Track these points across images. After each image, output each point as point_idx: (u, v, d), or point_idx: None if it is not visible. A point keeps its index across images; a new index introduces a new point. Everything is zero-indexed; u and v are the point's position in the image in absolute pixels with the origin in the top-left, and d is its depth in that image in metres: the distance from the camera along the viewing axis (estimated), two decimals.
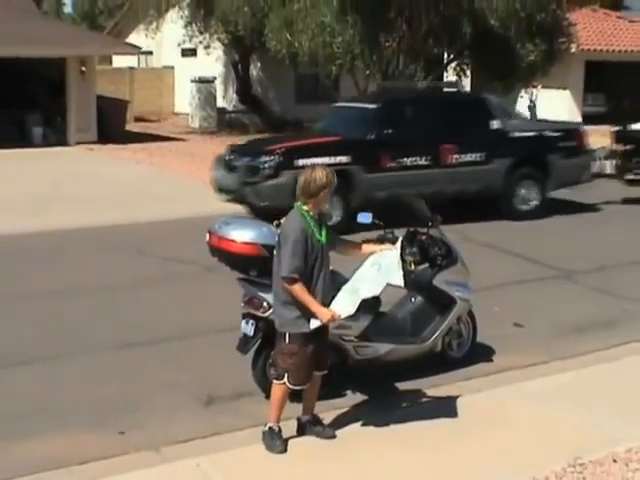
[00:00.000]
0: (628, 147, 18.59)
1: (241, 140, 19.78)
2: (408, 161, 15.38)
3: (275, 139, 17.96)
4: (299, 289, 6.50)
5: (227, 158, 15.94)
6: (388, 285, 7.03)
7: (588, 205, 17.63)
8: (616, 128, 19.37)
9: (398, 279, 7.04)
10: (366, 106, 16.58)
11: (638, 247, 14.02)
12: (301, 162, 14.22)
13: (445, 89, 18.58)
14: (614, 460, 6.50)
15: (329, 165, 13.90)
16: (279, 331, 6.75)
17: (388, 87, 18.70)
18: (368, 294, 6.86)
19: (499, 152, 16.16)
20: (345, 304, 6.69)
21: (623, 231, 15.33)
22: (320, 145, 15.23)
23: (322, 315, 6.57)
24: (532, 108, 31.12)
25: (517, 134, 16.72)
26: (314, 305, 6.54)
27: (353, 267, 7.09)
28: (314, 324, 6.60)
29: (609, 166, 19.32)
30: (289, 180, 13.82)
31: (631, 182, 18.46)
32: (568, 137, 17.27)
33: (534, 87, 30.32)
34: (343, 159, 14.75)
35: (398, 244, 7.34)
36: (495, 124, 16.36)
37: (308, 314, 6.58)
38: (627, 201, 18.09)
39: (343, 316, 6.72)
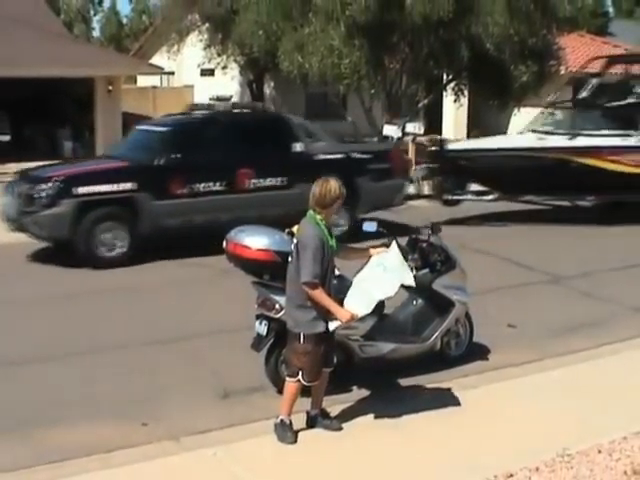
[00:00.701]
0: (445, 167, 17.23)
1: None
2: (201, 187, 13.60)
3: (61, 165, 15.89)
4: (320, 293, 6.51)
5: (14, 184, 13.73)
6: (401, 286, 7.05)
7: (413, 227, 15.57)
8: (434, 148, 17.96)
9: (409, 280, 7.05)
10: (156, 129, 14.76)
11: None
12: (81, 190, 12.77)
13: (246, 110, 16.22)
14: (599, 451, 6.50)
15: (112, 193, 12.87)
16: (293, 332, 6.74)
17: (199, 108, 15.50)
18: (383, 296, 6.88)
19: (302, 176, 13.56)
20: (358, 305, 6.70)
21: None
22: (104, 172, 13.50)
23: (342, 316, 6.58)
24: None
25: (322, 157, 14.82)
26: (334, 307, 6.57)
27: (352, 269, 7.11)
28: (334, 325, 6.62)
29: (427, 187, 18.23)
30: (68, 209, 12.70)
31: (449, 202, 17.21)
32: (379, 159, 15.52)
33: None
34: (128, 186, 13.04)
35: (393, 245, 7.30)
36: (298, 146, 14.69)
37: (324, 316, 6.61)
38: (453, 222, 16.13)
39: (360, 316, 6.73)
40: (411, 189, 17.63)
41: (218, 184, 13.79)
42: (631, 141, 16.82)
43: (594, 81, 18.16)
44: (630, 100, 17.83)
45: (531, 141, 16.90)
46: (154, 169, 13.41)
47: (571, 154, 16.34)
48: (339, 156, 15.14)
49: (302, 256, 6.53)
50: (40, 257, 13.54)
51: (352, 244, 7.29)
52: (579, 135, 16.65)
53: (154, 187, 13.30)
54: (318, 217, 6.68)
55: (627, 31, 40.77)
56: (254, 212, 13.33)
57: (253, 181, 14.09)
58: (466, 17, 21.48)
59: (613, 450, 6.52)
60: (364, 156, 15.46)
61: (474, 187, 17.41)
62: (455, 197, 17.20)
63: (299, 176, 13.99)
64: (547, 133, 17.10)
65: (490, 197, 17.18)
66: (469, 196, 17.33)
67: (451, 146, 17.65)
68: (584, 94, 17.77)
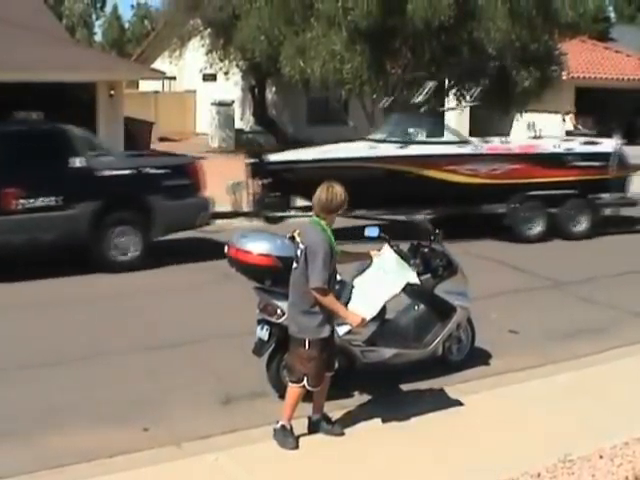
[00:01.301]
0: (266, 181, 15.47)
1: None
2: None
3: None
4: (331, 298, 6.55)
5: None
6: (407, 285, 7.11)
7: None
8: (251, 160, 16.09)
9: (413, 277, 7.08)
10: None
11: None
12: None
13: (17, 121, 15.01)
14: (600, 456, 6.50)
15: None
16: (297, 337, 6.73)
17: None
18: (388, 295, 6.91)
19: (82, 194, 12.66)
20: (365, 307, 6.71)
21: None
22: None
23: (353, 320, 6.63)
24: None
25: (107, 173, 13.03)
26: (344, 311, 6.62)
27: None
28: (344, 329, 6.64)
29: (246, 202, 16.60)
30: None
31: (271, 220, 15.28)
32: (178, 174, 13.70)
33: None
34: None
35: (385, 247, 7.31)
36: (78, 162, 12.80)
37: (329, 320, 6.63)
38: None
39: (368, 319, 6.75)
40: (227, 206, 15.99)
41: None
42: (468, 149, 15.63)
43: (431, 84, 16.97)
44: (466, 103, 16.96)
45: (361, 150, 15.48)
46: None
47: (404, 164, 15.02)
48: (128, 172, 13.34)
49: (312, 262, 6.52)
50: None
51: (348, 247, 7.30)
52: (413, 143, 15.44)
53: None
54: (323, 222, 6.69)
55: (629, 36, 40.79)
56: (24, 236, 12.28)
57: (21, 201, 12.27)
58: (468, 22, 21.55)
59: (615, 455, 6.51)
60: (159, 171, 13.62)
61: (300, 202, 15.61)
62: (278, 214, 15.35)
63: (78, 195, 12.71)
64: (379, 141, 15.74)
65: None
66: (293, 212, 15.47)
67: (272, 157, 15.89)
68: (420, 98, 16.62)
